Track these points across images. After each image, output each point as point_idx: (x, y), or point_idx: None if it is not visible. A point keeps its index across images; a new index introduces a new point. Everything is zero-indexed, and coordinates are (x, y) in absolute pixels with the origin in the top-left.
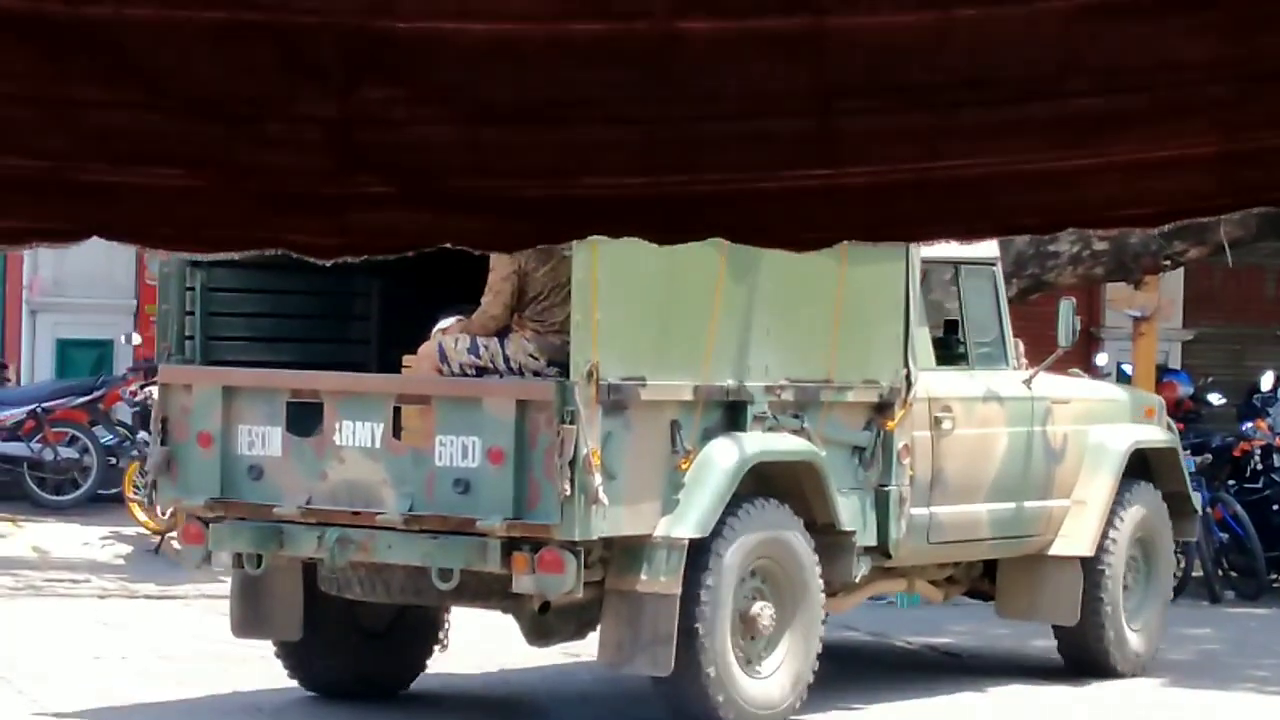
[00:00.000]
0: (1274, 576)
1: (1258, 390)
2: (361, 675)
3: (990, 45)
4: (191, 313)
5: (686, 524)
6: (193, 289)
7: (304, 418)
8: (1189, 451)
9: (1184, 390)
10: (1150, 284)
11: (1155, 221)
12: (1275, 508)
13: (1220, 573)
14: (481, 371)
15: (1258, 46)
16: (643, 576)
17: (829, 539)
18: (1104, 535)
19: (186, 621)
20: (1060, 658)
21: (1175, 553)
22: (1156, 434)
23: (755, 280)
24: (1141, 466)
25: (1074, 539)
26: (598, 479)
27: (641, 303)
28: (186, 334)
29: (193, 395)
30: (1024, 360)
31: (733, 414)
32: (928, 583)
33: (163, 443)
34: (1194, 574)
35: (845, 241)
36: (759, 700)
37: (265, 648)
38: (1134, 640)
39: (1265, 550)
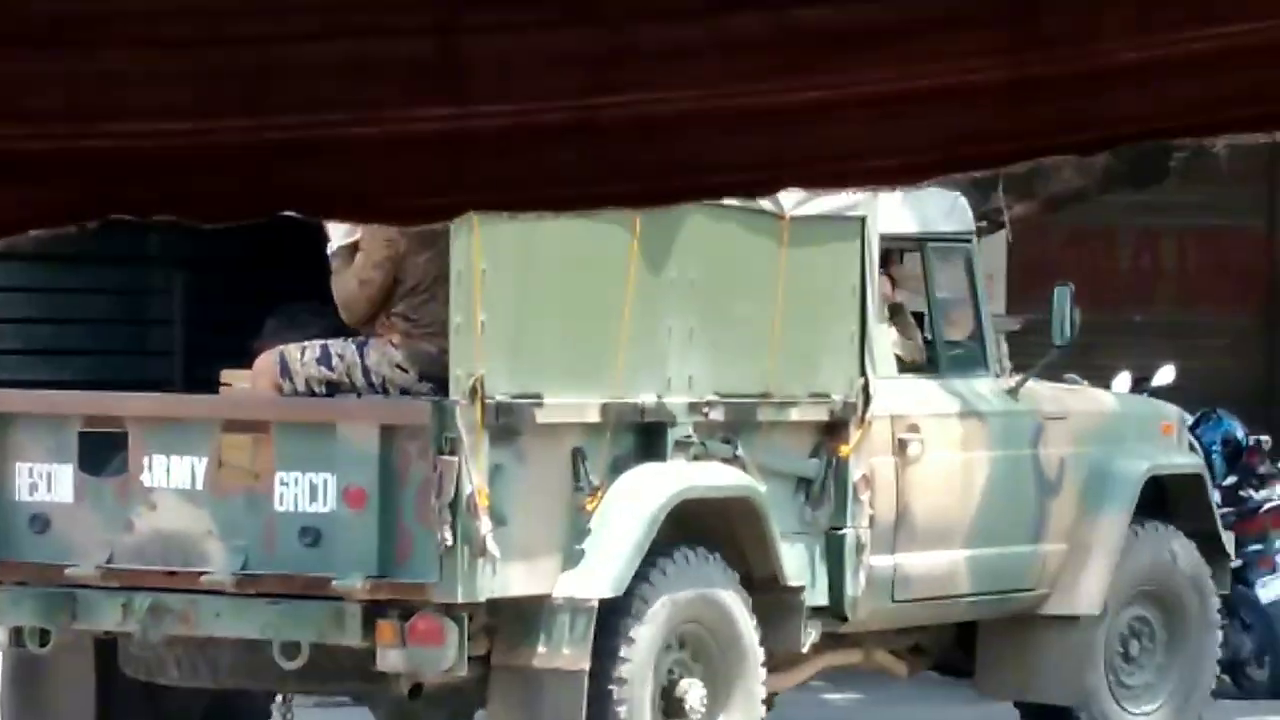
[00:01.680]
0: None
1: None
2: None
3: None
4: None
5: (595, 581)
6: None
7: (102, 452)
8: None
9: None
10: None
11: (910, 178)
12: None
13: None
14: (335, 389)
15: None
16: (540, 649)
17: (770, 597)
18: None
19: None
20: None
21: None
22: (1177, 456)
23: (675, 269)
24: (1155, 498)
25: (1075, 594)
26: (485, 525)
27: (536, 300)
28: None
29: None
30: (1008, 364)
31: (650, 439)
32: (888, 653)
33: None
34: None
35: (473, 212)
36: None
37: None
38: None
39: None
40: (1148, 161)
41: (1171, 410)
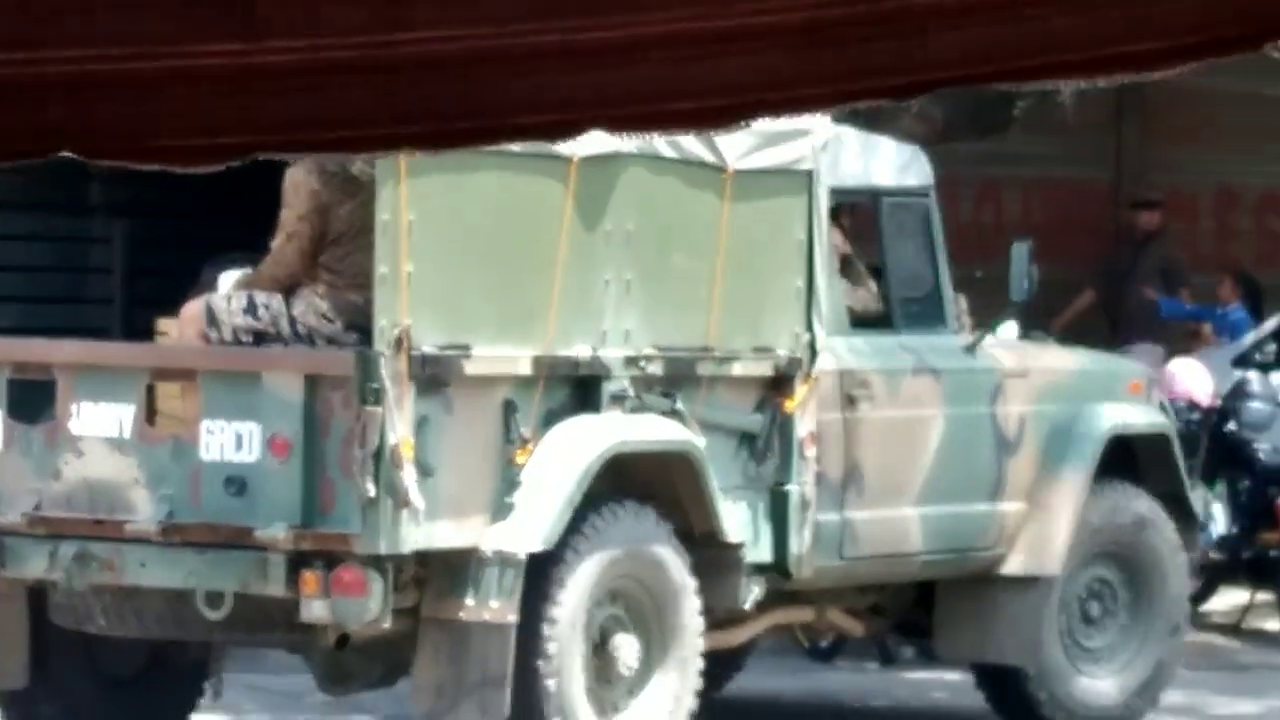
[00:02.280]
0: None
1: None
2: None
3: None
4: None
5: (525, 535)
6: None
7: (31, 399)
8: None
9: None
10: None
11: (718, 121)
12: None
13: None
14: (261, 338)
15: None
16: (468, 601)
17: (710, 553)
18: None
19: None
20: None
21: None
22: (1143, 415)
23: (612, 216)
24: (1124, 459)
25: (1033, 555)
26: (409, 476)
27: (465, 251)
28: None
29: None
30: (967, 320)
31: (584, 392)
32: (844, 612)
33: None
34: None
35: (259, 154)
36: None
37: None
38: (1098, 689)
39: None
40: (989, 110)
41: (1140, 369)
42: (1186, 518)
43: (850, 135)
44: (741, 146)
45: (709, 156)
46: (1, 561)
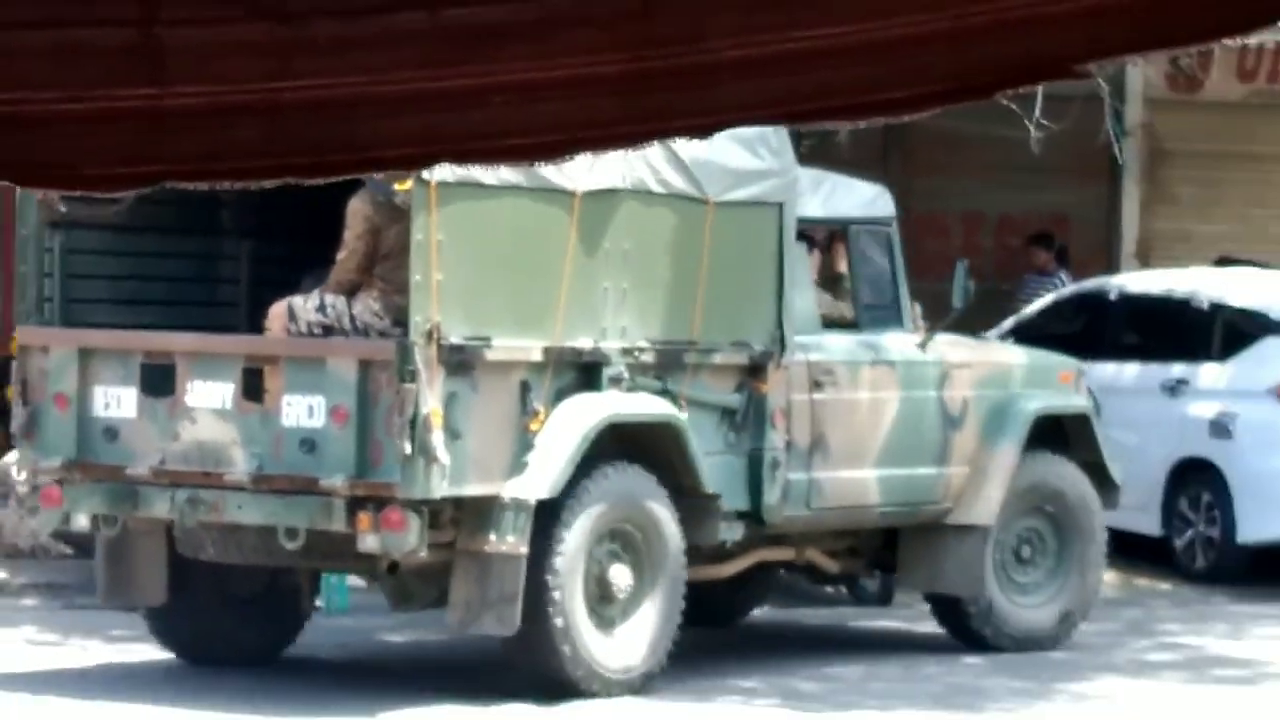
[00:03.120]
0: None
1: None
2: (230, 642)
3: None
4: (50, 275)
5: (535, 485)
6: (51, 250)
7: (156, 379)
8: None
9: None
10: None
11: (550, 154)
12: None
13: None
14: (329, 331)
15: None
16: (491, 537)
17: (692, 502)
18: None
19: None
20: None
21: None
22: (1066, 400)
23: (610, 238)
24: (1059, 437)
25: (973, 508)
26: (438, 438)
27: (486, 262)
28: (45, 296)
29: (50, 357)
30: (921, 323)
31: (588, 375)
32: (823, 553)
33: (24, 404)
34: None
35: (167, 182)
36: (614, 662)
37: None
38: (1025, 616)
39: None
40: None
41: (1070, 362)
42: (1106, 483)
43: (829, 178)
44: (722, 183)
45: (693, 191)
46: (134, 505)
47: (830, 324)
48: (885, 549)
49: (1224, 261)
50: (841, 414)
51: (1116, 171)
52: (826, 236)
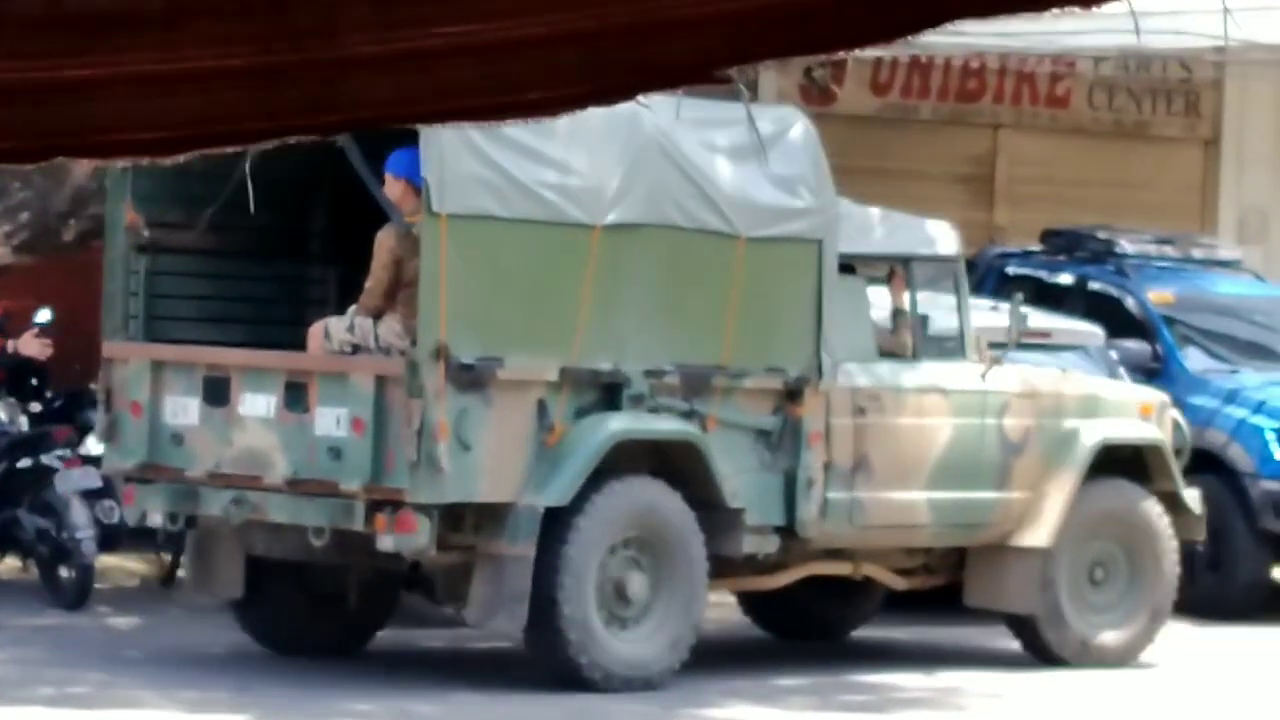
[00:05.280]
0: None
1: None
2: (309, 635)
3: None
4: (135, 294)
5: (545, 493)
6: (136, 273)
7: (216, 391)
8: None
9: None
10: None
11: (172, 149)
12: None
13: None
14: (357, 349)
15: None
16: (504, 540)
17: (715, 516)
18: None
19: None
20: None
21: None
22: (1135, 431)
23: (633, 269)
24: (1138, 466)
25: (1032, 530)
26: (444, 448)
27: (499, 288)
28: (131, 314)
29: (128, 368)
30: (986, 354)
31: (609, 394)
32: (888, 569)
33: (107, 411)
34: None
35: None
36: (628, 660)
37: None
38: (1098, 634)
39: None
40: None
41: (1156, 395)
42: (1181, 511)
43: (894, 216)
44: (756, 220)
45: (724, 228)
46: (196, 504)
47: (889, 354)
48: (957, 568)
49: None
50: (886, 437)
51: None
52: (888, 271)
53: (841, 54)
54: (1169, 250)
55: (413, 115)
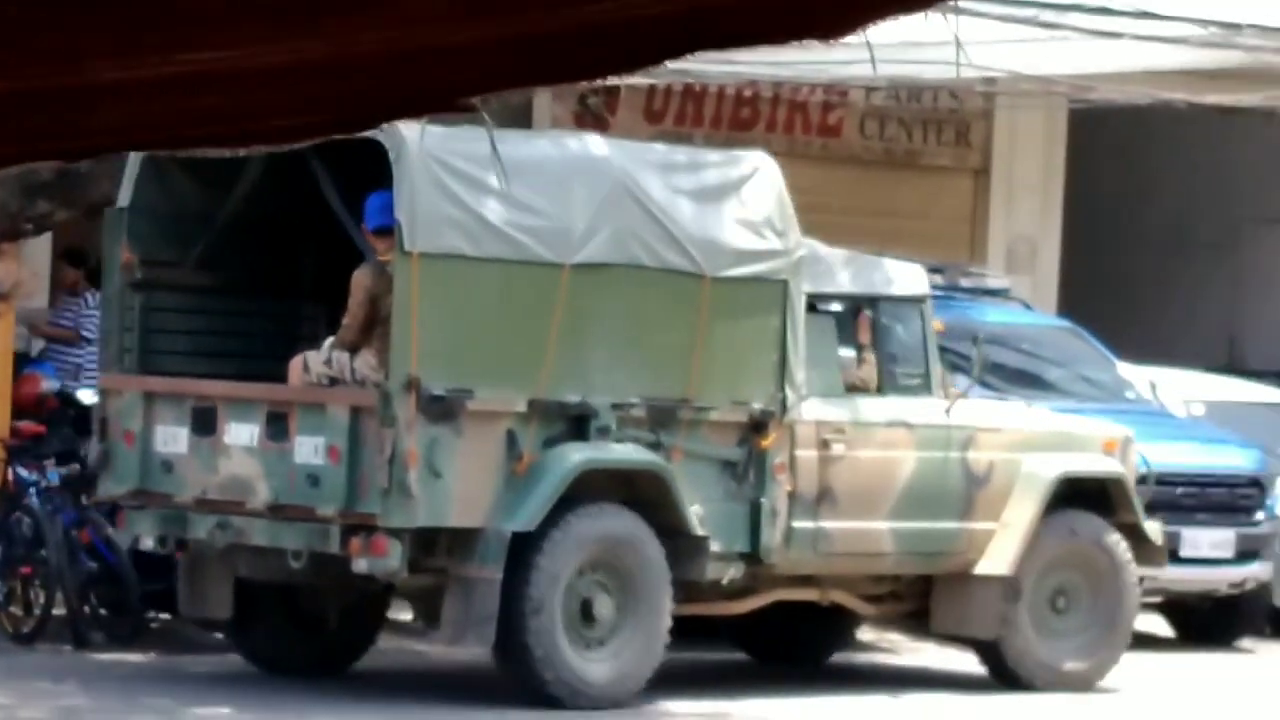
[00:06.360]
0: (152, 615)
1: None
2: (295, 656)
3: None
4: (130, 329)
5: (514, 518)
6: (132, 309)
7: (203, 420)
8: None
9: (48, 385)
10: (8, 252)
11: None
12: None
13: (88, 610)
14: (334, 382)
15: None
16: (474, 563)
17: (680, 543)
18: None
19: None
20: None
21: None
22: (1096, 464)
23: (601, 306)
24: (1102, 499)
25: (994, 559)
26: (414, 475)
27: (470, 320)
28: (126, 347)
29: (122, 399)
30: (951, 390)
31: (577, 426)
32: (855, 596)
33: (101, 440)
34: (56, 611)
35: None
36: (593, 679)
37: None
38: (1059, 659)
39: (142, 583)
40: None
41: (1120, 431)
42: (1143, 542)
43: (862, 258)
44: (721, 261)
45: (690, 267)
46: (184, 528)
47: (856, 389)
48: (925, 596)
49: None
50: (851, 469)
51: None
52: (852, 310)
53: (584, 83)
54: (938, 279)
55: (157, 141)
